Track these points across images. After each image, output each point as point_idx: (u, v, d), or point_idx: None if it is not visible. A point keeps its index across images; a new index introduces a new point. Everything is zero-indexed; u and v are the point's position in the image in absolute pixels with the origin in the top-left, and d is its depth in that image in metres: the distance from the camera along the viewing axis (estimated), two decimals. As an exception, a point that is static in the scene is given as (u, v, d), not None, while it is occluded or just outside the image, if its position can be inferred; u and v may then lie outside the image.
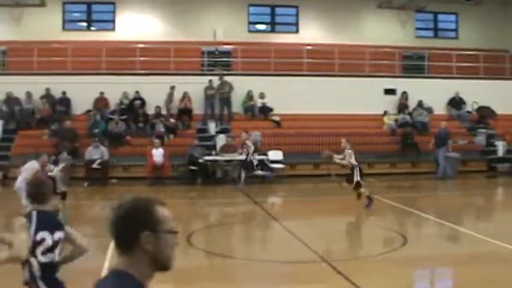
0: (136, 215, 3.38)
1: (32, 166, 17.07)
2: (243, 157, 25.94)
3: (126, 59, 32.14)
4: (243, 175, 25.39)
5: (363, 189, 19.92)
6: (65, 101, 31.04)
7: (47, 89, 30.99)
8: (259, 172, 26.09)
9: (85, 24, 37.19)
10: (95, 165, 26.81)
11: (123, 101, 31.08)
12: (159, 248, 3.40)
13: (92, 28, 36.87)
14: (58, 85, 30.79)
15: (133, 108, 30.73)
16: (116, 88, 30.84)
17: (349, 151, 20.21)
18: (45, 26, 34.22)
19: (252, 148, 25.75)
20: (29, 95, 30.84)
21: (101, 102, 31.11)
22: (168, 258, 3.47)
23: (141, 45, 32.45)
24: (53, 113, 30.49)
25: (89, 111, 31.09)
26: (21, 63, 32.31)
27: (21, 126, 30.12)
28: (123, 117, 29.98)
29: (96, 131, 28.90)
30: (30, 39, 32.73)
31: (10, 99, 30.82)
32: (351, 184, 20.06)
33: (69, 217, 17.73)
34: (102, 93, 31.04)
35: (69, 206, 19.09)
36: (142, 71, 31.76)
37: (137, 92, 31.06)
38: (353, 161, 20.04)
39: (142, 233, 3.34)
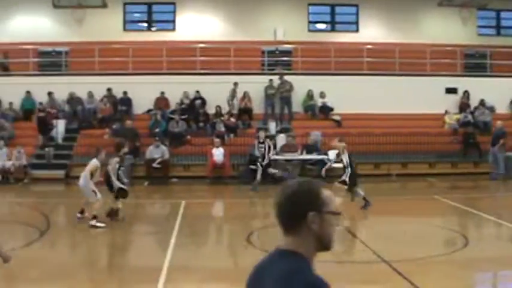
0: (304, 196, 3.52)
1: (93, 163, 17.33)
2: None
3: (186, 58, 32.33)
4: (259, 175, 25.25)
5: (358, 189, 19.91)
6: (126, 101, 31.36)
7: (109, 89, 31.37)
8: (274, 171, 25.63)
9: (145, 24, 37.49)
10: (155, 165, 26.99)
11: (184, 100, 31.24)
12: (323, 228, 3.53)
13: (153, 28, 37.17)
14: (119, 85, 31.16)
15: (193, 107, 30.86)
16: (177, 88, 31.04)
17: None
18: (107, 27, 34.62)
19: (271, 147, 25.70)
20: (90, 95, 31.25)
21: (161, 101, 31.33)
22: (331, 238, 3.60)
23: (201, 45, 32.59)
24: (114, 113, 30.85)
25: (149, 110, 31.33)
26: (83, 64, 32.78)
27: (83, 125, 30.55)
28: (183, 116, 30.11)
29: (157, 130, 29.10)
30: (92, 40, 33.15)
31: (72, 99, 31.28)
32: (343, 183, 19.86)
33: (129, 215, 17.92)
34: (162, 92, 31.28)
35: (129, 204, 19.31)
36: (202, 71, 31.90)
37: (198, 91, 31.19)
38: (345, 160, 20.02)
39: (309, 213, 3.49)
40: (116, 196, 16.92)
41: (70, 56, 34.20)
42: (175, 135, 29.18)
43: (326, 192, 3.57)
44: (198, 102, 30.95)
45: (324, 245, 3.58)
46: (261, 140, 26.12)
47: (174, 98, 31.38)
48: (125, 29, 36.15)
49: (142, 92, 30.94)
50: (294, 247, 3.51)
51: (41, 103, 30.76)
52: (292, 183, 3.60)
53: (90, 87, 31.18)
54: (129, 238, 15.06)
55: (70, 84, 31.41)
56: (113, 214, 16.76)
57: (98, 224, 16.34)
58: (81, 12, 34.19)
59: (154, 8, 36.91)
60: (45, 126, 29.31)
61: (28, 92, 31.47)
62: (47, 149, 28.82)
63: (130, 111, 31.23)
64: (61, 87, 31.16)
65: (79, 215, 17.29)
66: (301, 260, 3.48)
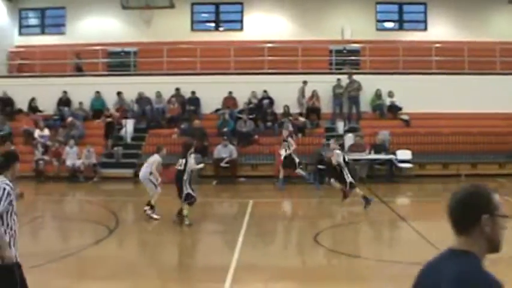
0: (478, 199, 3.64)
1: (153, 159, 18.31)
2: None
3: (254, 58, 32.38)
4: (281, 174, 25.07)
5: (357, 190, 19.96)
6: (194, 101, 31.56)
7: (177, 89, 31.62)
8: (300, 171, 25.33)
9: (213, 24, 37.70)
10: (223, 164, 27.08)
11: (252, 100, 31.29)
12: (494, 231, 3.62)
13: (220, 28, 37.37)
14: (187, 85, 31.39)
15: (261, 107, 30.90)
16: (245, 87, 31.10)
17: (338, 151, 20.51)
18: (174, 27, 34.96)
19: (294, 146, 25.50)
20: (159, 94, 31.56)
21: (229, 101, 31.44)
22: (500, 240, 3.68)
23: (269, 45, 32.59)
24: (182, 112, 31.08)
25: (217, 110, 31.46)
26: (152, 64, 33.16)
27: (151, 125, 30.86)
28: (251, 116, 30.17)
29: (225, 130, 29.21)
30: (160, 40, 33.51)
31: (141, 99, 31.62)
32: (343, 184, 19.99)
33: (198, 214, 18.02)
34: (230, 92, 31.39)
35: (198, 203, 19.41)
36: (270, 71, 31.87)
37: (265, 91, 31.20)
38: (341, 161, 20.08)
39: (483, 216, 3.58)
40: (184, 200, 16.50)
41: (139, 56, 34.65)
42: (243, 134, 29.25)
43: (496, 196, 3.66)
44: (265, 101, 30.97)
45: (493, 246, 3.67)
46: (284, 139, 26.04)
47: (242, 98, 31.45)
48: (192, 29, 36.45)
49: (211, 91, 31.11)
50: (467, 247, 3.61)
51: (107, 108, 31.10)
52: (463, 187, 3.74)
53: (159, 87, 31.50)
54: (197, 237, 15.14)
55: (139, 84, 31.79)
56: (180, 215, 16.77)
57: (154, 216, 17.54)
58: (149, 13, 34.51)
59: (222, 8, 37.09)
60: (110, 132, 29.52)
61: (98, 92, 31.96)
62: (116, 148, 29.21)
63: (198, 111, 31.42)
64: (130, 87, 31.54)
65: (146, 208, 18.15)
66: (474, 259, 3.57)
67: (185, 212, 16.24)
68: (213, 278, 11.52)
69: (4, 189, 7.50)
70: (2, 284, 7.43)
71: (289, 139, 25.51)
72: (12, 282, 7.44)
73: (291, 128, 27.50)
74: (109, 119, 29.39)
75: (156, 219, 17.57)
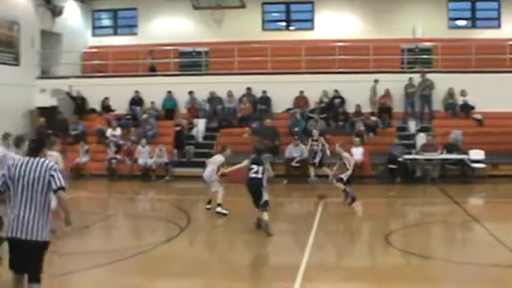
0: None
1: (218, 159, 18.74)
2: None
3: (325, 57, 32.21)
4: (312, 172, 24.83)
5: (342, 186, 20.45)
6: (266, 100, 31.61)
7: (248, 88, 31.72)
8: (327, 171, 24.96)
9: (284, 24, 37.76)
10: (294, 163, 27.04)
11: (323, 99, 31.17)
12: None
13: (291, 28, 37.42)
14: (258, 84, 31.46)
15: (333, 106, 30.75)
16: (316, 87, 31.01)
17: (345, 154, 20.86)
18: (245, 27, 35.16)
19: (325, 145, 25.37)
20: (230, 94, 31.72)
21: (300, 100, 31.39)
22: None
23: (340, 44, 32.44)
24: (253, 112, 31.17)
25: (289, 109, 31.45)
26: (223, 64, 33.34)
27: (223, 124, 31.02)
28: (322, 115, 30.06)
29: (296, 129, 29.16)
30: (231, 40, 33.69)
31: (213, 99, 31.83)
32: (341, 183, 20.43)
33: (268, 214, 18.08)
34: (301, 91, 31.33)
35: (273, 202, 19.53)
36: (341, 70, 31.70)
37: (336, 90, 31.03)
38: (347, 162, 20.65)
39: None
40: (262, 206, 15.61)
41: (210, 56, 34.87)
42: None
43: None
44: (337, 101, 30.82)
45: None
46: (315, 138, 25.94)
47: (313, 97, 31.32)
48: (263, 29, 36.62)
49: (282, 91, 31.14)
50: None
51: (178, 117, 31.24)
52: None
53: (230, 86, 31.67)
54: (268, 236, 15.14)
55: (210, 83, 32.00)
56: (259, 225, 15.83)
57: (223, 211, 18.01)
58: (220, 13, 34.73)
59: (293, 7, 37.17)
60: (181, 141, 29.62)
61: (169, 92, 32.28)
62: (187, 147, 29.44)
63: (269, 110, 31.46)
64: (201, 86, 31.80)
65: (208, 206, 19.06)
66: None
67: (266, 218, 15.34)
68: (283, 278, 11.51)
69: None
70: None
71: (321, 138, 25.67)
72: None
73: (316, 131, 27.18)
74: (178, 128, 29.48)
75: (225, 214, 17.95)
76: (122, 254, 13.38)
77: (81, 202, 22.05)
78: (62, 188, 8.38)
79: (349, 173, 20.51)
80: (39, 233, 8.23)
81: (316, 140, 25.73)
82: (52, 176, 8.34)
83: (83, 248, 14.91)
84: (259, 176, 15.60)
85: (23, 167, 8.32)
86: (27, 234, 8.15)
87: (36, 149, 8.64)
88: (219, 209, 18.15)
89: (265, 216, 15.16)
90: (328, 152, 25.58)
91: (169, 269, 12.41)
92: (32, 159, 8.42)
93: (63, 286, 11.59)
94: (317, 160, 25.32)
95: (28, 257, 8.24)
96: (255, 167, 15.72)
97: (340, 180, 20.42)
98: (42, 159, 8.49)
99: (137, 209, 22.33)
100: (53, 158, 17.13)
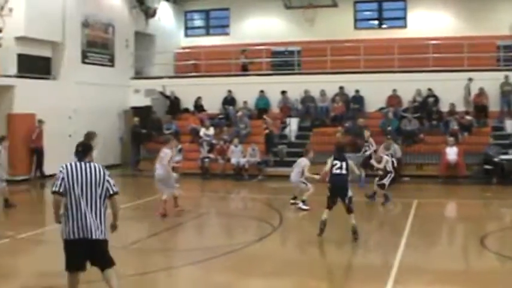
0: None
1: (302, 163, 19.17)
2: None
3: (418, 55, 31.78)
4: (363, 173, 24.17)
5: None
6: (358, 99, 31.43)
7: (341, 88, 31.56)
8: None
9: (376, 22, 37.48)
10: (388, 163, 26.78)
11: (416, 98, 30.74)
12: None
13: (383, 26, 37.13)
14: (351, 83, 31.30)
15: (426, 105, 30.28)
16: (409, 85, 30.60)
17: (386, 157, 21.03)
18: (337, 26, 35.08)
19: (374, 147, 24.77)
20: (323, 93, 31.63)
21: (393, 99, 31.07)
22: None
23: (433, 42, 31.95)
24: (346, 111, 31.00)
25: (381, 108, 31.18)
26: (315, 63, 33.29)
27: (315, 124, 30.97)
28: (416, 114, 29.63)
29: (389, 128, 28.85)
30: (323, 39, 33.60)
31: (305, 98, 31.78)
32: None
33: (361, 214, 17.95)
34: (394, 90, 30.99)
35: (361, 202, 19.43)
36: (435, 68, 31.20)
37: (430, 89, 30.52)
38: (389, 166, 20.82)
39: None
40: (349, 203, 14.83)
41: (302, 55, 34.84)
42: (407, 133, 28.81)
43: None
44: (430, 99, 30.33)
45: None
46: (365, 139, 25.59)
47: (406, 96, 30.91)
48: (355, 27, 36.48)
49: (374, 90, 30.89)
50: None
51: (265, 123, 31.06)
52: None
53: (322, 85, 31.59)
54: (360, 236, 14.98)
55: (303, 83, 31.97)
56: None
57: (304, 207, 18.52)
58: (312, 12, 34.76)
59: (385, 5, 36.90)
60: (271, 143, 29.47)
61: (262, 91, 32.38)
62: (280, 147, 29.48)
63: (362, 109, 31.27)
64: (294, 86, 31.82)
65: (292, 201, 19.52)
66: None
67: (354, 222, 14.64)
68: (375, 278, 11.40)
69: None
70: None
71: (370, 139, 25.29)
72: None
73: (367, 132, 26.79)
74: (267, 131, 29.35)
75: (306, 210, 18.33)
76: (214, 252, 13.53)
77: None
78: (116, 193, 8.98)
79: (392, 175, 20.67)
80: (103, 232, 8.83)
81: (366, 141, 25.46)
82: (108, 181, 8.91)
83: (177, 245, 15.17)
84: (344, 172, 14.80)
85: (80, 171, 8.76)
86: (97, 234, 8.70)
87: (85, 152, 9.12)
88: (300, 204, 18.63)
89: (353, 219, 14.60)
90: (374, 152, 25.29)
91: (260, 268, 12.47)
92: (86, 164, 8.89)
93: (157, 282, 11.87)
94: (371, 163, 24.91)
95: (96, 253, 8.82)
96: (338, 162, 14.88)
97: (382, 186, 20.50)
98: (94, 164, 8.94)
99: (230, 208, 22.52)
100: (168, 155, 18.22)
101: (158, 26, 37.00)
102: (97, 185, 8.76)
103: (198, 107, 33.13)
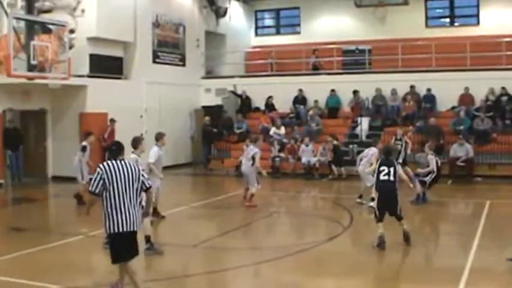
0: None
1: (370, 152, 19.40)
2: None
3: (491, 53, 31.31)
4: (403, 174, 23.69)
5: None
6: (430, 98, 31.10)
7: (412, 86, 31.27)
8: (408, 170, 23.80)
9: (448, 20, 37.06)
10: (459, 163, 26.47)
11: (489, 97, 30.28)
12: None
13: (455, 23, 36.68)
14: (422, 82, 31.00)
15: (499, 104, 29.80)
16: (481, 84, 30.14)
17: (431, 156, 20.49)
18: (408, 24, 34.83)
19: (408, 145, 24.98)
20: (394, 92, 31.40)
21: (465, 98, 30.65)
22: None
23: (506, 39, 31.41)
24: (418, 110, 30.71)
25: (453, 107, 30.80)
26: (386, 62, 33.04)
27: (386, 123, 30.77)
28: (489, 114, 29.20)
29: (461, 127, 28.51)
30: (394, 38, 33.36)
31: (376, 97, 31.62)
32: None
33: (431, 214, 17.81)
34: (466, 89, 30.56)
35: (432, 203, 19.27)
36: (508, 66, 30.66)
37: (503, 87, 29.99)
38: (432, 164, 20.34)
39: None
40: (400, 213, 14.11)
41: (373, 54, 34.64)
42: (480, 133, 28.40)
43: None
44: (504, 98, 29.80)
45: None
46: (398, 137, 25.34)
47: (478, 95, 30.42)
48: (427, 26, 36.10)
49: (446, 88, 30.47)
50: None
51: (334, 136, 30.92)
52: None
53: (394, 84, 31.37)
54: (431, 237, 14.86)
55: (373, 82, 31.79)
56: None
57: (371, 204, 17.71)
58: (383, 11, 34.61)
59: (457, 2, 36.60)
60: (338, 157, 29.13)
61: (333, 90, 32.35)
62: (351, 146, 29.41)
63: (434, 109, 30.94)
64: (364, 85, 31.68)
65: (358, 200, 19.88)
66: None
67: (407, 228, 14.03)
68: (446, 280, 11.30)
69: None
70: None
71: (405, 137, 25.19)
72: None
73: (400, 130, 26.52)
74: (336, 142, 28.77)
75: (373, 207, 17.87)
76: (284, 251, 13.59)
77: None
78: (150, 188, 9.92)
79: (433, 176, 20.21)
80: (140, 225, 9.84)
81: (400, 139, 25.30)
82: (143, 176, 9.78)
83: (246, 244, 15.25)
84: (392, 178, 13.84)
85: (119, 168, 9.51)
86: (136, 226, 9.52)
87: (119, 151, 9.83)
88: (371, 203, 17.89)
89: (405, 225, 14.02)
90: (409, 151, 25.72)
91: (329, 268, 12.52)
92: (122, 162, 9.65)
93: (226, 281, 11.99)
94: (400, 160, 24.53)
95: (134, 244, 9.65)
96: (385, 168, 13.94)
97: (424, 183, 20.02)
98: (129, 162, 9.77)
99: (300, 207, 22.52)
100: (257, 153, 19.60)
101: (229, 26, 37.26)
102: (134, 180, 9.53)
103: (269, 106, 33.23)
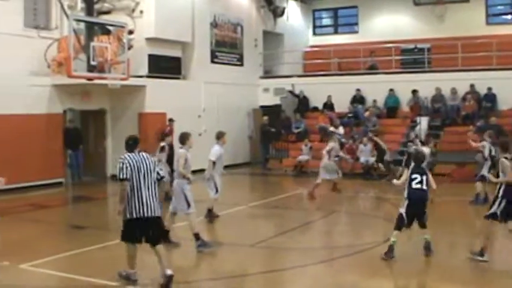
0: None
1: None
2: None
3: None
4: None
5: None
6: (491, 97, 30.66)
7: (472, 85, 30.85)
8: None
9: (509, 17, 36.58)
10: (520, 162, 26.00)
11: (551, 95, 29.79)
12: None
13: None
14: (483, 81, 30.52)
15: (562, 102, 29.29)
16: (544, 82, 29.69)
17: (484, 143, 20.00)
18: (468, 21, 34.42)
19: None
20: (454, 91, 31.02)
21: (527, 97, 30.19)
22: None
23: None
24: (478, 109, 30.30)
25: (514, 107, 30.36)
26: (446, 60, 32.64)
27: (446, 122, 30.42)
28: (551, 112, 28.73)
29: (522, 127, 28.10)
30: (454, 36, 32.97)
31: (435, 96, 31.27)
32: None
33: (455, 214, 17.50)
34: (528, 87, 30.09)
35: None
36: None
37: None
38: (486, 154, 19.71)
39: None
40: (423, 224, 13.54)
41: (432, 52, 34.26)
42: (542, 132, 27.96)
43: None
44: None
45: None
46: (410, 139, 25.16)
47: (541, 93, 29.98)
48: (487, 23, 35.63)
49: (508, 87, 29.96)
50: None
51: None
52: None
53: (453, 83, 30.95)
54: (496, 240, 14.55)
55: (432, 81, 31.43)
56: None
57: None
58: (442, 8, 34.32)
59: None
60: (380, 156, 28.89)
61: (391, 90, 32.09)
62: (409, 144, 29.09)
63: (495, 108, 30.49)
64: (423, 84, 31.32)
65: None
66: None
67: (429, 237, 13.41)
68: (501, 284, 11.11)
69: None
70: None
71: (416, 140, 24.52)
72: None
73: (412, 133, 26.13)
74: (376, 139, 28.55)
75: None
76: (341, 251, 13.61)
77: (305, 199, 22.79)
78: (163, 177, 11.06)
79: (489, 163, 19.36)
80: (159, 211, 10.73)
81: (412, 141, 25.04)
82: (158, 166, 11.03)
83: (304, 243, 15.19)
84: (424, 187, 13.13)
85: (140, 160, 10.63)
86: (155, 212, 10.56)
87: (135, 144, 10.84)
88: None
89: (428, 234, 13.41)
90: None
91: (386, 269, 12.41)
92: (141, 154, 10.77)
93: (283, 281, 12.01)
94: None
95: (154, 229, 10.68)
96: (418, 176, 13.18)
97: (484, 179, 19.10)
98: (145, 154, 10.84)
99: (358, 207, 22.43)
100: (334, 148, 21.47)
101: (286, 25, 37.29)
102: (151, 171, 10.65)
103: (328, 105, 33.10)
